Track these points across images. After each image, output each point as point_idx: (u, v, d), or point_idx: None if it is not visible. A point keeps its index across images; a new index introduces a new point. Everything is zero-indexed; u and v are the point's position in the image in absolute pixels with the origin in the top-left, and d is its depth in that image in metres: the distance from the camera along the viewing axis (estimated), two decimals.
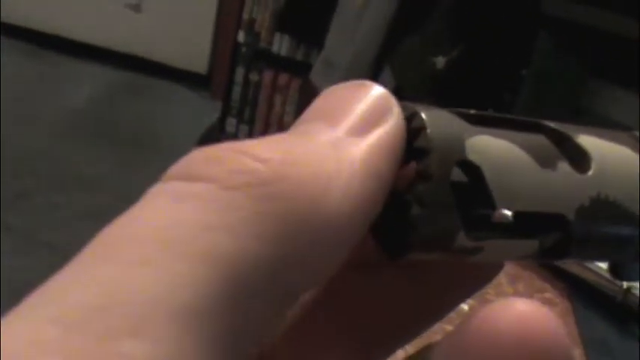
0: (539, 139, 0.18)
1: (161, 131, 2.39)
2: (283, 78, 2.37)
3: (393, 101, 0.17)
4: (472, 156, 0.16)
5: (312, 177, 0.15)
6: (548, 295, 0.78)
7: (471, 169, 0.17)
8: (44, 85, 2.53)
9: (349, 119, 0.16)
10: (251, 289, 0.13)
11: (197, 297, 0.12)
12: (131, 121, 2.41)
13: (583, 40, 1.55)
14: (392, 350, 0.19)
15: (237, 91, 2.43)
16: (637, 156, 0.19)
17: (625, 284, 0.74)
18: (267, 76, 2.38)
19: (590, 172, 0.18)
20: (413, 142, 0.17)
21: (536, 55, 1.62)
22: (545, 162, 0.17)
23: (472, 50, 1.69)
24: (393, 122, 0.17)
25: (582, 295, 0.76)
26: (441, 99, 1.66)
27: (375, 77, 1.80)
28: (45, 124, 2.28)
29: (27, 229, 1.79)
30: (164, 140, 2.34)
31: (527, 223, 0.18)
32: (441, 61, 1.69)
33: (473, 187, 0.17)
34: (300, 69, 2.25)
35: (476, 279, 0.20)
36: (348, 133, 0.16)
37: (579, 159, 0.18)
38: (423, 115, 0.17)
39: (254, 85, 2.41)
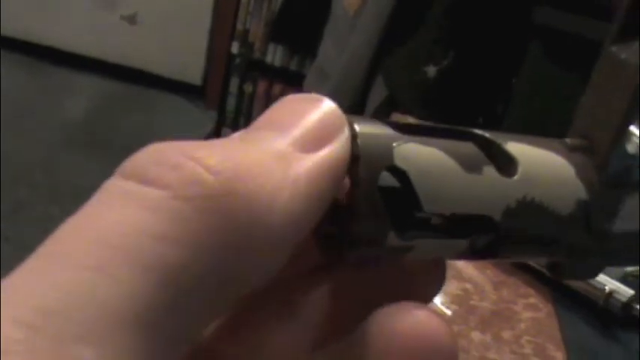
0: (467, 146, 0.19)
1: (157, 141, 2.40)
2: (277, 88, 2.38)
3: (344, 120, 0.18)
4: (399, 162, 0.18)
5: (257, 194, 0.15)
6: (532, 300, 0.79)
7: (400, 175, 0.18)
8: (41, 97, 2.54)
9: (298, 132, 0.17)
10: (193, 298, 0.14)
11: (143, 307, 0.13)
12: (127, 132, 2.43)
13: (574, 49, 1.56)
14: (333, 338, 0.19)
15: (231, 101, 2.45)
16: (564, 161, 0.21)
17: (607, 289, 0.75)
18: (262, 86, 2.40)
19: (517, 176, 0.19)
20: None
21: (527, 64, 1.63)
22: (471, 167, 0.19)
23: (463, 59, 1.70)
24: (340, 143, 0.17)
25: (565, 301, 0.77)
26: (433, 108, 1.67)
27: (367, 86, 1.82)
28: (42, 136, 2.30)
29: (24, 241, 1.80)
30: None
31: (457, 224, 0.19)
32: (432, 71, 1.70)
33: (402, 191, 0.18)
34: (294, 79, 2.27)
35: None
36: (295, 147, 0.17)
37: (506, 164, 0.19)
38: (355, 126, 0.18)
39: (248, 96, 2.43)
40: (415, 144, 0.18)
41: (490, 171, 0.19)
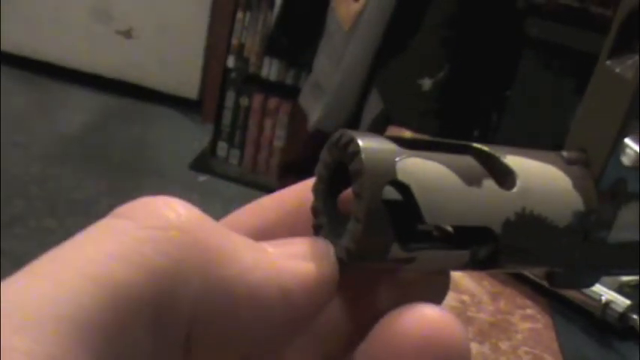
0: (466, 160, 0.20)
1: (153, 156, 2.41)
2: (273, 102, 2.39)
3: (330, 248, 0.19)
4: (402, 176, 0.18)
5: (218, 249, 0.17)
6: (529, 311, 0.79)
7: (402, 188, 0.18)
8: (37, 111, 2.55)
9: (289, 247, 0.19)
10: (130, 314, 0.15)
11: (84, 312, 0.15)
12: (123, 146, 2.43)
13: (565, 60, 1.57)
14: None
15: (227, 115, 2.46)
16: (561, 173, 0.21)
17: (604, 300, 0.75)
18: (257, 100, 2.41)
19: (515, 189, 0.20)
20: (349, 166, 0.19)
21: (521, 76, 1.64)
22: (471, 180, 0.19)
23: (458, 72, 1.71)
24: (327, 264, 0.19)
25: (563, 311, 0.78)
26: (428, 120, 1.68)
27: (363, 100, 1.83)
28: (38, 150, 2.30)
29: (20, 254, 1.80)
30: (156, 164, 2.35)
31: (458, 236, 0.20)
32: (427, 83, 1.71)
33: (404, 204, 0.19)
34: (289, 93, 2.28)
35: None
36: (281, 253, 0.18)
37: (505, 177, 0.20)
38: (359, 141, 0.18)
39: (244, 110, 2.43)
40: (417, 158, 0.19)
41: (490, 184, 0.19)
